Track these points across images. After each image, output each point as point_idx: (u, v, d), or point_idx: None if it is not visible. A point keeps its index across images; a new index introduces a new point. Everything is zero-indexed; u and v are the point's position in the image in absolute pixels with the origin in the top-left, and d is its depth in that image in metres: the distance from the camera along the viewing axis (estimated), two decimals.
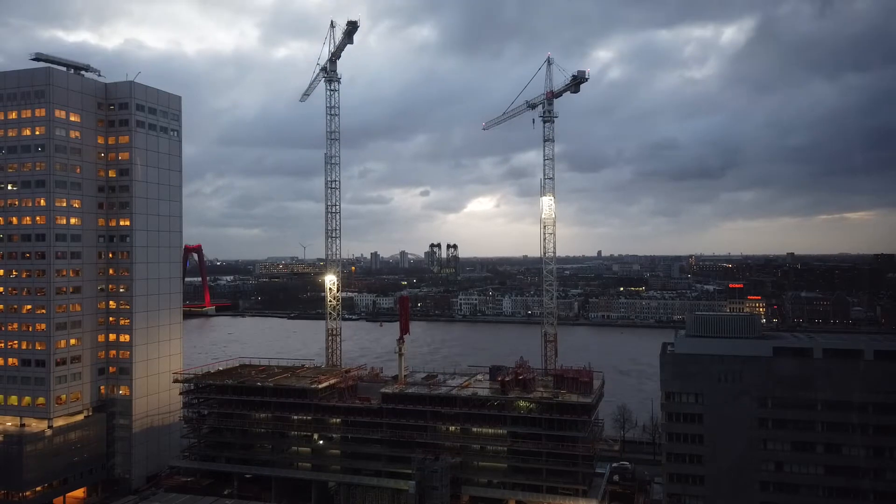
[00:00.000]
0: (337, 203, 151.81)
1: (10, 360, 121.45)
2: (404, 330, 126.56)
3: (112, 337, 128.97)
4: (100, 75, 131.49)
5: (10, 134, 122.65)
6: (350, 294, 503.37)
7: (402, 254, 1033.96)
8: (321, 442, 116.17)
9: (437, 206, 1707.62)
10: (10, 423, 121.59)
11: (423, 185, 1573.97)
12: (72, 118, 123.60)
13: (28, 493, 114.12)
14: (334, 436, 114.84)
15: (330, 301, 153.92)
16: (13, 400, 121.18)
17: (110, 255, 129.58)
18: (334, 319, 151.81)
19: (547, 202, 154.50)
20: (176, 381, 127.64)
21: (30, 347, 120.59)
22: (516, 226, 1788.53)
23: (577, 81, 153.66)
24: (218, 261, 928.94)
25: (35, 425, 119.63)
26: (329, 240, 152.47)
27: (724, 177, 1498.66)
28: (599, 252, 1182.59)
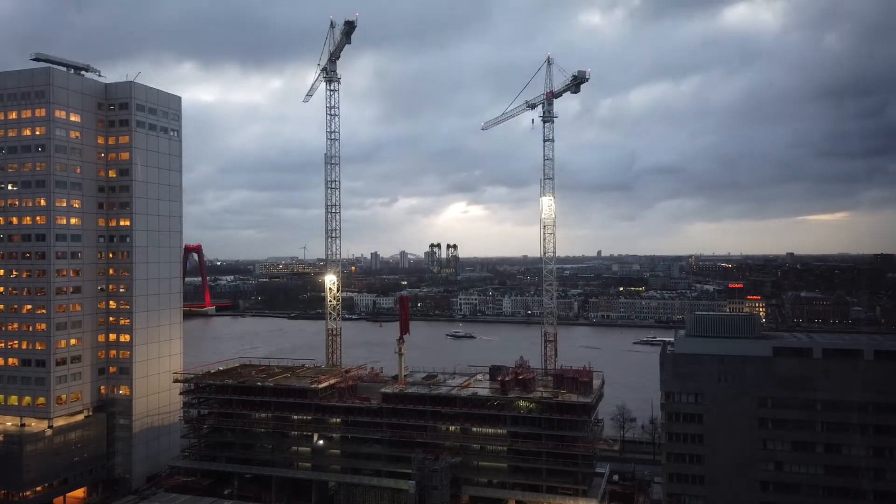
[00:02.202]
0: (337, 203, 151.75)
1: (11, 360, 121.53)
2: (404, 330, 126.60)
3: (112, 337, 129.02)
4: (100, 75, 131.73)
5: (10, 134, 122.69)
6: (350, 294, 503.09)
7: (403, 254, 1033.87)
8: (321, 442, 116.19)
9: (416, 210, 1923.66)
10: (10, 422, 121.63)
11: (390, 195, 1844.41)
12: (72, 118, 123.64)
13: (28, 493, 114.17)
14: (334, 436, 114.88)
15: (330, 301, 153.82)
16: (13, 400, 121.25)
17: (110, 255, 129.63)
18: (334, 319, 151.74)
19: (547, 202, 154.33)
20: (176, 381, 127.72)
21: (30, 347, 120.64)
22: (498, 228, 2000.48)
23: (578, 81, 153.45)
24: (218, 261, 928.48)
25: (35, 425, 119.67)
26: (329, 240, 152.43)
27: (635, 188, 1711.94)
28: (599, 252, 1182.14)
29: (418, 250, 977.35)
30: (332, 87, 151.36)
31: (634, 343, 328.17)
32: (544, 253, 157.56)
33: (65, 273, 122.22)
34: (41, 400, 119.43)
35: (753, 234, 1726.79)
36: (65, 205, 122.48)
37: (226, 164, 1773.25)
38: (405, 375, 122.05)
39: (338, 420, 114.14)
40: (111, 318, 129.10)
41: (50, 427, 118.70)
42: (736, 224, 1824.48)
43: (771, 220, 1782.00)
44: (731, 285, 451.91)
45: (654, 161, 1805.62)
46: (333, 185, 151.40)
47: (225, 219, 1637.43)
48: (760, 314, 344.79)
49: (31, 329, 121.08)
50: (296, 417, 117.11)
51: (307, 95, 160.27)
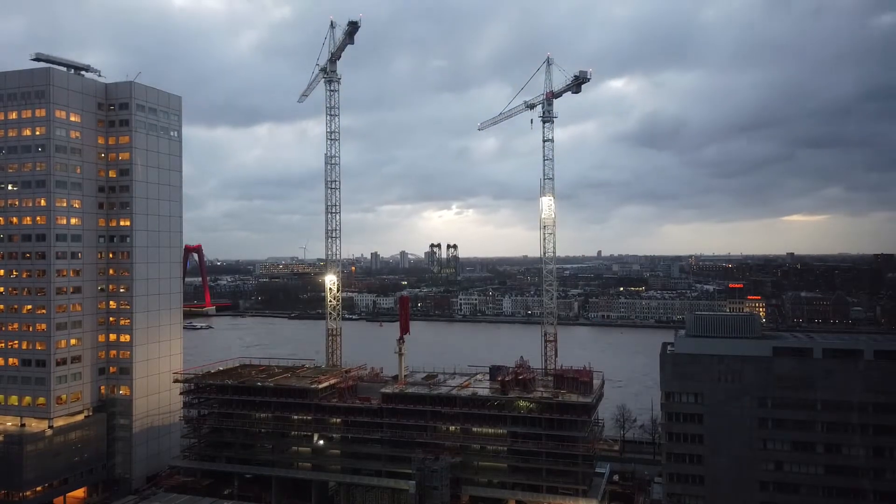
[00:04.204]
0: (337, 203, 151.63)
1: (11, 360, 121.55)
2: (404, 330, 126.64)
3: (112, 337, 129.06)
4: (100, 75, 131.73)
5: (10, 134, 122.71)
6: (350, 294, 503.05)
7: (403, 254, 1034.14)
8: (321, 442, 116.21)
9: (396, 214, 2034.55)
10: (10, 423, 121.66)
11: (369, 203, 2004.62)
12: (72, 118, 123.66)
13: (28, 493, 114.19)
14: (334, 436, 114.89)
15: (330, 301, 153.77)
16: (13, 400, 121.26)
17: (110, 256, 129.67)
18: (334, 319, 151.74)
19: (546, 202, 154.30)
20: (176, 380, 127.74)
21: (30, 347, 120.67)
22: (482, 229, 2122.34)
23: (580, 82, 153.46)
24: (218, 261, 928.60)
25: (35, 425, 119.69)
26: (329, 240, 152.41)
27: (576, 197, 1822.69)
28: (599, 252, 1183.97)
29: (418, 250, 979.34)
30: (332, 88, 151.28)
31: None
32: (544, 253, 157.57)
33: (65, 273, 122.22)
34: (41, 400, 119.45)
35: (732, 235, 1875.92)
36: (65, 205, 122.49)
37: (225, 180, 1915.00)
38: (405, 375, 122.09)
39: (338, 420, 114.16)
40: (111, 318, 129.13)
41: (50, 427, 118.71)
42: (705, 226, 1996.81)
43: (735, 223, 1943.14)
44: (731, 285, 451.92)
45: (579, 177, 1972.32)
46: (333, 186, 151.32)
47: (223, 222, 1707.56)
48: (760, 314, 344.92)
49: (31, 329, 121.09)
50: (296, 417, 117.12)
51: (303, 95, 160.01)
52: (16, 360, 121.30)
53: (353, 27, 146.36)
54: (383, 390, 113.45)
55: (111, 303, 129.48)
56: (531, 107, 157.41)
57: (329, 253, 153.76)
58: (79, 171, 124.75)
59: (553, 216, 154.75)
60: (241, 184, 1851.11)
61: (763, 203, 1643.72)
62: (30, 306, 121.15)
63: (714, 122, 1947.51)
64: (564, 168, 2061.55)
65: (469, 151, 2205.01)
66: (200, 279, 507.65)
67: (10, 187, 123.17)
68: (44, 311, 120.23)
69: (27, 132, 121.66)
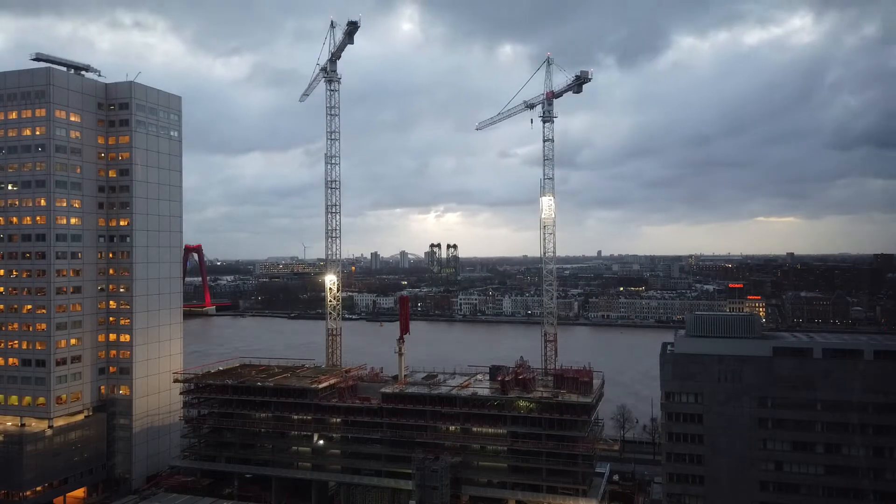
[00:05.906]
0: (337, 203, 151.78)
1: (11, 360, 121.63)
2: (404, 330, 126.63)
3: (112, 337, 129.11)
4: (100, 75, 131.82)
5: (10, 134, 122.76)
6: (350, 294, 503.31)
7: (403, 254, 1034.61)
8: (321, 442, 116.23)
9: (382, 218, 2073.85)
10: (10, 422, 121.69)
11: (355, 208, 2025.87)
12: (72, 118, 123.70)
13: (28, 493, 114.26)
14: (334, 435, 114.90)
15: (330, 301, 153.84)
16: (13, 400, 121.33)
17: (110, 255, 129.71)
18: (334, 319, 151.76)
19: (546, 202, 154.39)
20: (176, 380, 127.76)
21: (30, 347, 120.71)
22: (472, 230, 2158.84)
23: (581, 82, 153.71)
24: (218, 261, 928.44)
25: (35, 425, 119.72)
26: (329, 240, 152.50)
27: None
28: (599, 252, 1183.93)
29: (418, 250, 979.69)
30: (332, 87, 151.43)
31: None
32: (544, 253, 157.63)
33: (65, 273, 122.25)
34: (41, 400, 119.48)
35: (715, 235, 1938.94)
36: (65, 205, 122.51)
37: (223, 190, 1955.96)
38: (405, 375, 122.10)
39: (338, 420, 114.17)
40: (111, 318, 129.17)
41: (50, 427, 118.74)
42: (682, 228, 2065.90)
43: (712, 224, 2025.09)
44: (731, 285, 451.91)
45: (530, 186, 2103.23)
46: (334, 186, 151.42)
47: (223, 223, 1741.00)
48: (760, 314, 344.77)
49: (31, 329, 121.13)
50: (296, 417, 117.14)
51: (304, 95, 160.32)
52: (16, 360, 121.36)
53: (353, 27, 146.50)
54: (383, 390, 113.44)
55: (111, 303, 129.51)
56: (531, 107, 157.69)
57: (329, 253, 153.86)
58: (79, 170, 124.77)
59: (553, 216, 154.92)
60: (238, 192, 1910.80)
61: (714, 208, 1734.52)
62: (30, 306, 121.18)
63: (606, 150, 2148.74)
64: (526, 176, 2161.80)
65: (430, 167, 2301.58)
66: (200, 279, 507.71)
67: (10, 187, 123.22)
68: (44, 311, 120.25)
69: (27, 132, 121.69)
